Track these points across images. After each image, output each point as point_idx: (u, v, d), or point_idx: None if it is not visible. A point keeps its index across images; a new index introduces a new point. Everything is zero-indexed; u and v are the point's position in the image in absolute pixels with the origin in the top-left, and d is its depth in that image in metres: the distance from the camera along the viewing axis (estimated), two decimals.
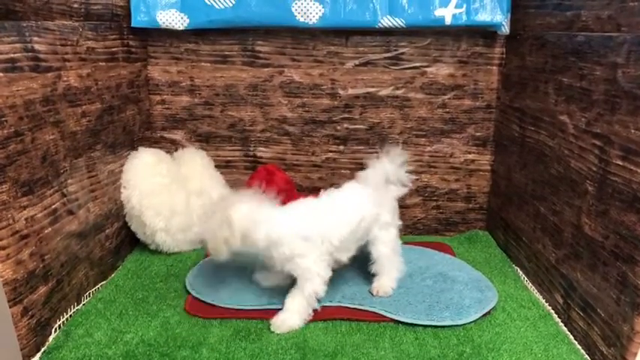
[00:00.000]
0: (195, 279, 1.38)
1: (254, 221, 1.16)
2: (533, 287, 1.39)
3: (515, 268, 1.49)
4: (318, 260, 1.21)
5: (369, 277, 1.37)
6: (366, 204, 1.29)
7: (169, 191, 1.52)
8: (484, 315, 1.23)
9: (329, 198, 1.28)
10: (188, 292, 1.33)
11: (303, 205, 1.26)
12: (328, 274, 1.22)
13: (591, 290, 1.10)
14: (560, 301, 1.24)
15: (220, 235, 1.15)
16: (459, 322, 1.20)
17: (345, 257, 1.28)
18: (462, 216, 1.77)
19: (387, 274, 1.33)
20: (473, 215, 1.77)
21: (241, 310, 1.25)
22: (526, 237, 1.44)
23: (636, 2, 0.97)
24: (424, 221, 1.77)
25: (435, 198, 1.75)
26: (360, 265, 1.44)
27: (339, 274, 1.39)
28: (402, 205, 1.74)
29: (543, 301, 1.32)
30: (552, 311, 1.27)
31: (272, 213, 1.20)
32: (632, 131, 0.96)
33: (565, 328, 1.20)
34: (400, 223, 1.40)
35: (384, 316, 1.22)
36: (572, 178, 1.18)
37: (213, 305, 1.27)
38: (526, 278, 1.43)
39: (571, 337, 1.17)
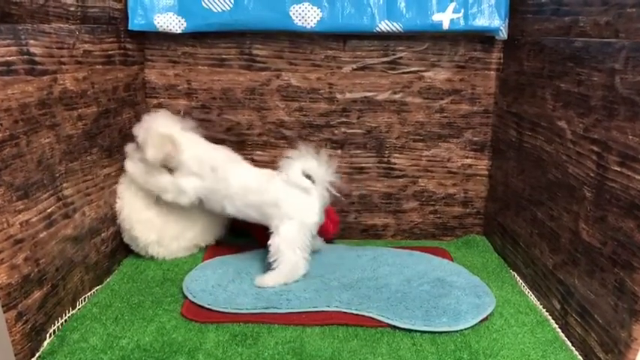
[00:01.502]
0: (192, 283, 1.37)
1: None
2: (530, 293, 1.38)
3: (513, 273, 1.49)
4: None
5: (366, 283, 1.37)
6: (264, 181, 1.42)
7: (159, 202, 1.51)
8: (481, 321, 1.23)
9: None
10: (185, 297, 1.32)
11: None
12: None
13: (589, 296, 1.10)
14: (558, 306, 1.24)
15: (163, 151, 1.40)
16: (457, 328, 1.19)
17: (231, 209, 1.44)
18: (459, 221, 1.77)
19: (276, 269, 1.37)
20: (470, 220, 1.77)
21: (238, 314, 1.25)
22: (523, 242, 1.44)
23: (634, 9, 0.97)
24: (421, 226, 1.77)
25: (432, 202, 1.74)
26: (358, 271, 1.44)
27: (335, 279, 1.39)
28: (399, 210, 1.75)
29: (541, 306, 1.31)
30: (550, 317, 1.27)
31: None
32: (630, 137, 0.96)
33: (562, 334, 1.20)
34: (313, 221, 1.39)
35: (381, 322, 1.21)
36: (569, 184, 1.18)
37: (210, 309, 1.26)
38: (523, 284, 1.43)
39: (568, 343, 1.17)
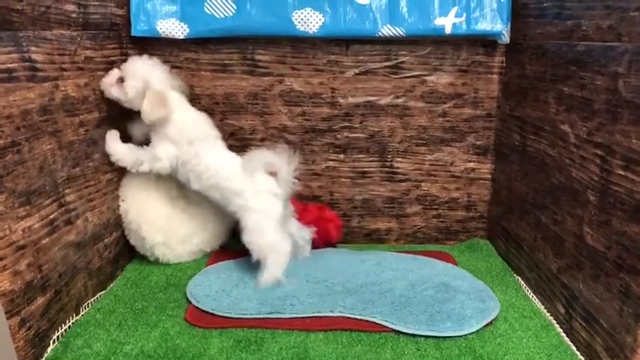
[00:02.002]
0: (195, 288, 1.37)
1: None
2: (534, 297, 1.38)
3: (517, 277, 1.49)
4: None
5: (370, 287, 1.36)
6: (235, 168, 1.44)
7: (167, 204, 1.52)
8: (486, 325, 1.22)
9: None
10: (189, 302, 1.32)
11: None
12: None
13: (593, 301, 1.10)
14: (562, 311, 1.23)
15: (158, 113, 1.38)
16: (461, 333, 1.19)
17: (196, 184, 1.46)
18: (463, 225, 1.76)
19: (267, 265, 1.40)
20: (473, 224, 1.76)
21: (242, 319, 1.24)
22: (527, 246, 1.44)
23: (637, 12, 0.97)
24: (424, 230, 1.77)
25: (435, 207, 1.74)
26: (362, 275, 1.44)
27: (339, 284, 1.38)
28: (403, 214, 1.74)
29: (545, 311, 1.31)
30: (554, 321, 1.26)
31: None
32: (634, 141, 0.96)
33: (567, 339, 1.19)
34: (276, 212, 1.42)
35: (385, 327, 1.21)
36: (573, 188, 1.18)
37: (214, 314, 1.26)
38: (527, 288, 1.42)
39: (573, 347, 1.16)
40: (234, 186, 1.43)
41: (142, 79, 1.39)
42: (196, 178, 1.44)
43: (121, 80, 1.39)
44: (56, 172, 1.18)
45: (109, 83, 1.39)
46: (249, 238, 1.42)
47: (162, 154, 1.43)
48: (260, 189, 1.43)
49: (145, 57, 1.44)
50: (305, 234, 1.55)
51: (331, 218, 1.66)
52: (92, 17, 1.34)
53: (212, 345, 1.15)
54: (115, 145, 1.42)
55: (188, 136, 1.43)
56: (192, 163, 1.44)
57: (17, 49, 1.04)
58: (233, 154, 1.49)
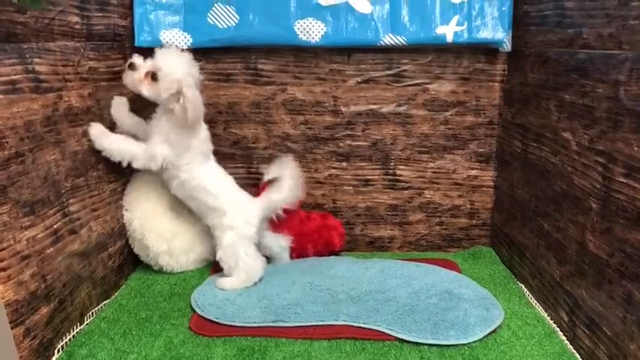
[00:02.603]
0: (200, 297, 1.37)
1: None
2: (538, 304, 1.37)
3: (520, 284, 1.48)
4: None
5: (374, 295, 1.36)
6: (220, 188, 1.47)
7: (171, 213, 1.52)
8: (489, 333, 1.22)
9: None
10: (193, 311, 1.33)
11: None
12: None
13: (597, 308, 1.09)
14: (566, 318, 1.23)
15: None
16: (465, 341, 1.18)
17: (177, 189, 1.47)
18: (466, 232, 1.76)
19: (234, 275, 1.44)
20: (476, 231, 1.76)
21: (246, 327, 1.25)
22: (530, 253, 1.44)
23: (637, 21, 0.97)
24: (428, 237, 1.77)
25: (438, 214, 1.74)
26: (365, 283, 1.44)
27: (343, 292, 1.38)
28: (406, 222, 1.74)
29: (548, 318, 1.31)
30: (558, 329, 1.26)
31: None
32: (635, 149, 0.96)
33: (571, 347, 1.19)
34: (250, 232, 1.46)
35: (389, 335, 1.21)
36: (575, 195, 1.18)
37: (218, 323, 1.26)
38: (531, 295, 1.42)
39: (577, 355, 1.16)
40: (213, 203, 1.45)
41: (178, 82, 1.34)
42: (179, 183, 1.44)
43: (152, 76, 1.34)
44: (60, 182, 1.18)
45: (138, 79, 1.35)
46: (222, 256, 1.45)
47: (159, 153, 1.40)
48: (239, 207, 1.47)
49: (177, 50, 1.38)
50: (282, 242, 1.58)
51: (334, 226, 1.66)
52: (95, 28, 1.36)
53: (216, 354, 1.15)
54: (106, 141, 1.35)
55: (185, 144, 1.42)
56: (180, 169, 1.43)
57: (21, 61, 1.05)
58: (223, 172, 1.51)
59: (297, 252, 1.63)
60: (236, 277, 1.43)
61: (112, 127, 1.41)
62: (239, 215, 1.45)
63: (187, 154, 1.42)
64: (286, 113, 1.67)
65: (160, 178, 1.49)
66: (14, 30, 1.04)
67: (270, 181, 1.51)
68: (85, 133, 1.29)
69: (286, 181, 1.48)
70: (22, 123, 1.05)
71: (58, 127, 1.17)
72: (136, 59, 1.35)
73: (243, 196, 1.50)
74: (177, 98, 1.35)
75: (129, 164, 1.41)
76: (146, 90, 1.35)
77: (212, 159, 1.51)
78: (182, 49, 1.41)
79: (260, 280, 1.45)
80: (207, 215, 1.47)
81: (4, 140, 0.99)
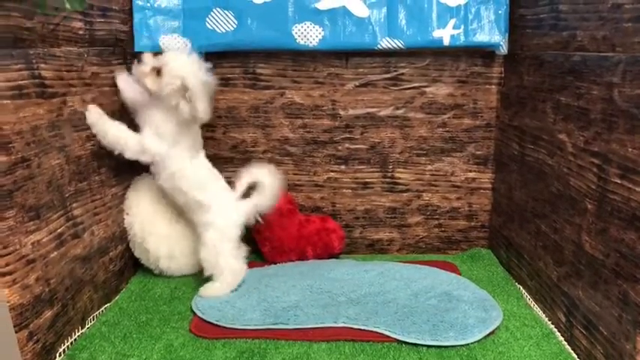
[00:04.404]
0: (201, 300, 1.38)
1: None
2: (535, 305, 1.39)
3: (518, 286, 1.50)
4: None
5: (374, 298, 1.38)
6: (208, 182, 1.48)
7: (171, 217, 1.54)
8: (488, 334, 1.23)
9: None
10: (194, 313, 1.34)
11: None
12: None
13: (593, 308, 1.11)
14: (563, 319, 1.24)
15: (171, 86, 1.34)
16: (464, 342, 1.20)
17: (164, 182, 1.45)
18: (464, 234, 1.78)
19: (218, 280, 1.44)
20: (475, 233, 1.78)
21: (246, 330, 1.26)
22: (528, 255, 1.45)
23: (630, 23, 0.99)
24: (426, 240, 1.78)
25: (436, 216, 1.75)
26: (365, 286, 1.45)
27: (343, 294, 1.39)
28: (404, 224, 1.76)
29: (546, 319, 1.32)
30: (555, 329, 1.27)
31: None
32: (630, 150, 0.97)
33: (568, 347, 1.20)
34: (234, 233, 1.47)
35: (389, 337, 1.22)
36: (571, 196, 1.19)
37: (219, 326, 1.27)
38: (529, 296, 1.43)
39: (574, 355, 1.17)
40: (200, 197, 1.44)
41: (182, 78, 1.34)
42: (168, 176, 1.43)
43: (157, 71, 1.35)
44: (64, 186, 1.20)
45: (142, 72, 1.35)
46: (205, 255, 1.44)
47: (151, 149, 1.39)
48: (225, 206, 1.47)
49: (186, 53, 1.40)
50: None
51: (334, 229, 1.67)
52: (98, 34, 1.37)
53: (215, 356, 1.16)
54: (103, 126, 1.34)
55: (175, 137, 1.41)
56: (170, 162, 1.42)
57: (27, 67, 1.06)
58: (212, 170, 1.52)
59: (297, 255, 1.65)
60: (220, 283, 1.42)
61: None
62: (224, 213, 1.46)
63: (178, 147, 1.41)
64: (285, 117, 1.68)
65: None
66: (21, 35, 1.06)
67: (251, 187, 1.51)
68: (89, 138, 1.30)
69: (268, 187, 1.48)
70: (29, 128, 1.06)
71: (62, 132, 1.18)
72: (146, 55, 1.37)
73: (231, 195, 1.49)
74: (183, 94, 1.35)
75: (128, 166, 1.43)
76: (150, 83, 1.36)
77: (202, 153, 1.51)
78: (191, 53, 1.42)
79: (260, 282, 1.46)
80: (194, 211, 1.46)
81: (10, 145, 1.01)
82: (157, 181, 1.46)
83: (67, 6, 1.18)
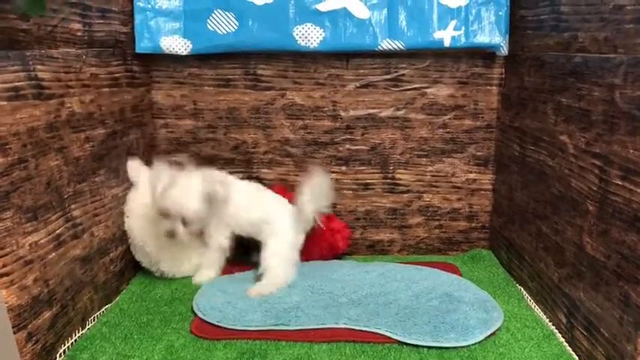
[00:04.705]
0: (202, 300, 1.38)
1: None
2: (536, 306, 1.38)
3: (519, 287, 1.49)
4: None
5: (375, 299, 1.37)
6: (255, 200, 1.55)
7: None
8: (488, 335, 1.23)
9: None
10: (194, 314, 1.33)
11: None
12: None
13: (594, 310, 1.10)
14: (564, 320, 1.24)
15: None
16: (465, 344, 1.19)
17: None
18: (465, 235, 1.77)
19: (267, 279, 1.45)
20: (475, 234, 1.77)
21: (247, 331, 1.25)
22: (529, 256, 1.44)
23: (631, 24, 0.99)
24: (427, 241, 1.77)
25: (437, 217, 1.75)
26: (366, 287, 1.44)
27: (344, 295, 1.39)
28: (405, 225, 1.75)
29: (547, 320, 1.31)
30: (556, 331, 1.27)
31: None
32: (631, 151, 0.97)
33: (569, 348, 1.20)
34: (299, 240, 1.53)
35: (390, 338, 1.22)
36: (572, 198, 1.19)
37: (220, 326, 1.27)
38: (529, 297, 1.43)
39: (575, 356, 1.17)
40: (262, 216, 1.51)
41: (197, 214, 1.42)
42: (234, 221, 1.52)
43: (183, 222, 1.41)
44: (62, 187, 1.19)
45: (183, 235, 1.42)
46: (266, 256, 1.47)
47: (223, 238, 1.53)
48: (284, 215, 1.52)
49: (197, 175, 1.43)
50: None
51: (339, 229, 1.67)
52: (97, 35, 1.37)
53: (216, 357, 1.16)
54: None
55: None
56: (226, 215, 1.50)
57: (24, 68, 1.06)
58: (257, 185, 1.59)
59: (304, 255, 1.63)
60: (271, 282, 1.44)
61: (114, 135, 1.42)
62: (287, 223, 1.51)
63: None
64: (286, 118, 1.68)
65: None
66: (17, 37, 1.06)
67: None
68: (87, 139, 1.30)
69: (322, 189, 1.51)
70: (25, 129, 1.06)
71: (60, 133, 1.18)
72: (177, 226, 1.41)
73: (286, 203, 1.56)
74: (208, 200, 1.42)
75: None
76: (183, 236, 1.42)
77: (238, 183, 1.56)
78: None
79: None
80: (262, 229, 1.51)
81: (7, 147, 1.00)
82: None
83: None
